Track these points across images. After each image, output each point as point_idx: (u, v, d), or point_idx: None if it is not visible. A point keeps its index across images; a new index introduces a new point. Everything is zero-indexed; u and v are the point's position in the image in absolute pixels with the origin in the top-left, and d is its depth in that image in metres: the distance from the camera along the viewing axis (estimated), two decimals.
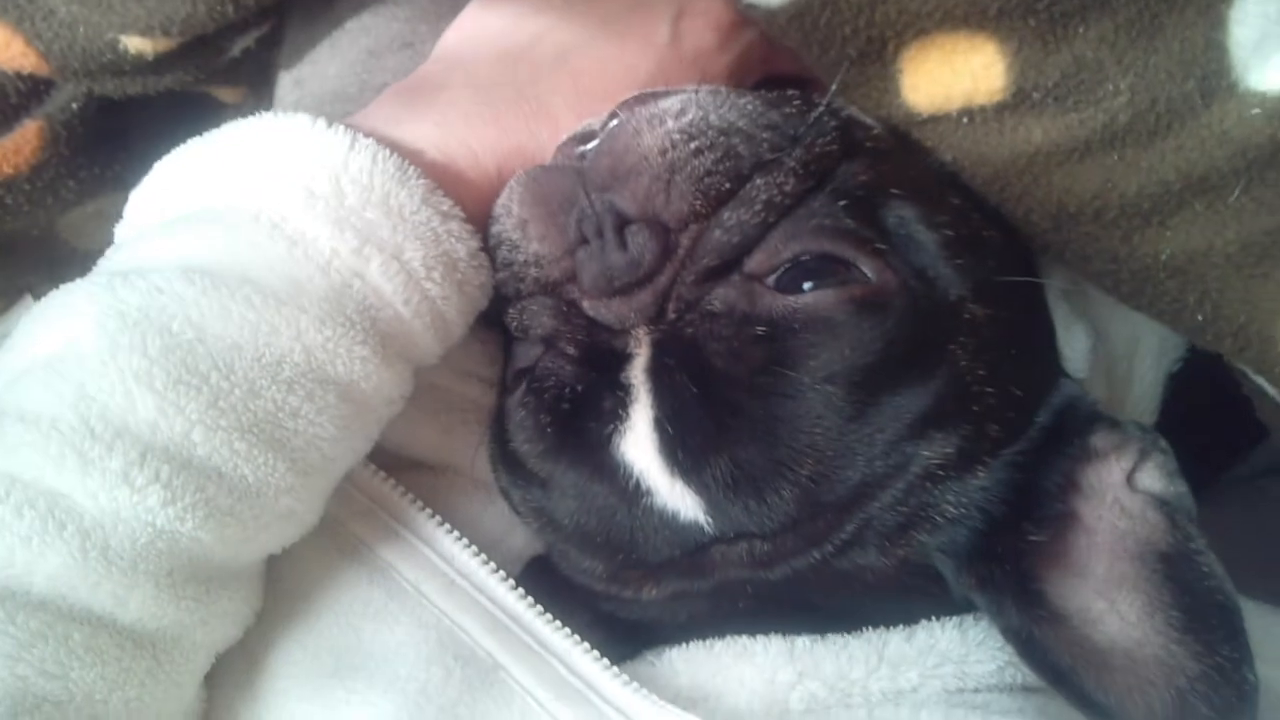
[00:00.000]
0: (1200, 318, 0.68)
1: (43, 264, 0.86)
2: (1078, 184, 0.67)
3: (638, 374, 0.67)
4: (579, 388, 0.68)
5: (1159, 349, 0.85)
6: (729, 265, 0.66)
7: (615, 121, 0.68)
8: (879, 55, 0.68)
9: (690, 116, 0.66)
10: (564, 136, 0.73)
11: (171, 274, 0.63)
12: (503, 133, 0.73)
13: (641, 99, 0.70)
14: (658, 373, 0.66)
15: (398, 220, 0.66)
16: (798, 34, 0.69)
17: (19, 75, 0.78)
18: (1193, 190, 0.65)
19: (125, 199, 0.75)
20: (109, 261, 0.69)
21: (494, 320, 0.75)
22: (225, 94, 0.85)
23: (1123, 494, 0.67)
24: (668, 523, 0.66)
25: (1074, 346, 0.77)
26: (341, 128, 0.68)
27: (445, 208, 0.68)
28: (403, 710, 0.67)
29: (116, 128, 0.82)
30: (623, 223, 0.66)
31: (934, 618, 0.70)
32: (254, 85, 0.85)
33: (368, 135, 0.68)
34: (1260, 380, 0.71)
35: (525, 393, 0.70)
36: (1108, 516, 0.67)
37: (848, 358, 0.63)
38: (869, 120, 0.72)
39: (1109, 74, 0.65)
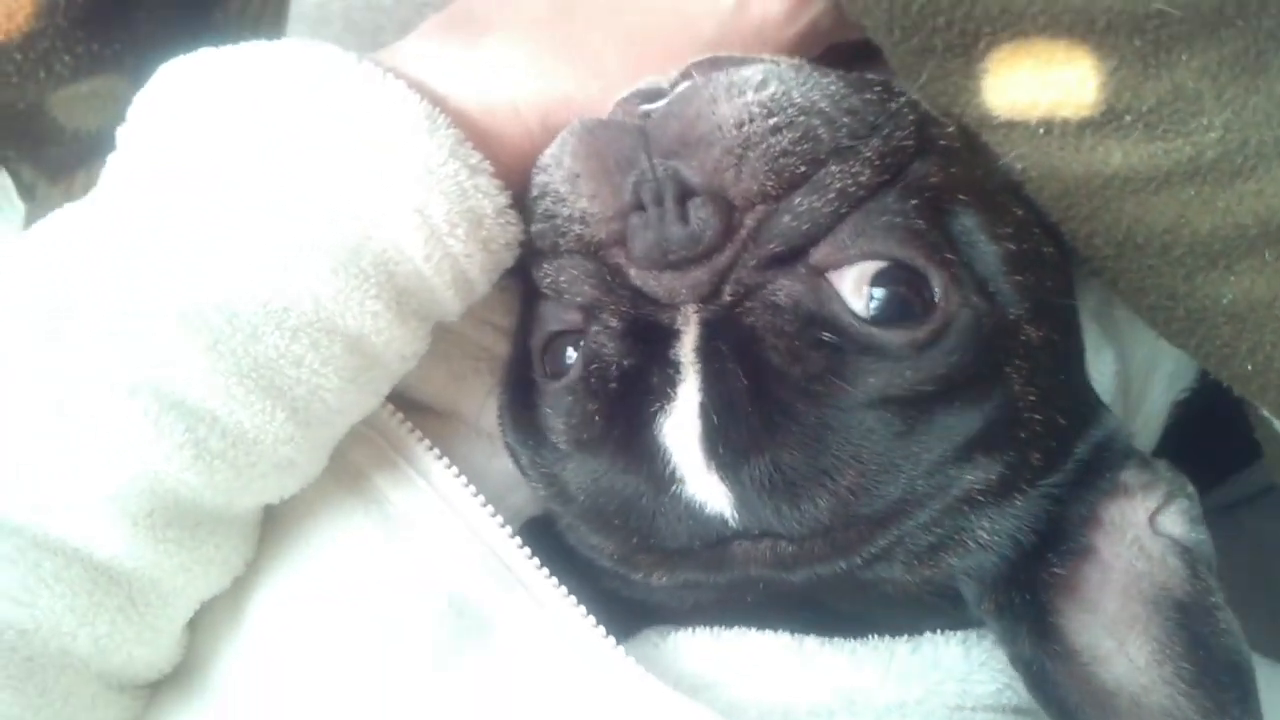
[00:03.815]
0: (1249, 367, 0.66)
1: (26, 138, 0.78)
2: (1149, 214, 0.65)
3: (687, 353, 0.63)
4: (626, 363, 0.65)
5: (1173, 374, 0.85)
6: (794, 253, 0.63)
7: (688, 84, 0.64)
8: (967, 50, 0.65)
9: (771, 90, 0.62)
10: (615, 92, 0.68)
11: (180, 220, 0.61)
12: (550, 84, 0.69)
13: (717, 63, 0.65)
14: (709, 355, 0.63)
15: (422, 172, 0.63)
16: (883, 15, 0.65)
17: None
18: (1267, 238, 0.63)
19: (123, 82, 0.70)
20: (116, 174, 0.65)
21: (514, 268, 0.72)
22: None
23: (1144, 534, 0.66)
24: (693, 513, 0.64)
25: (1101, 370, 0.76)
26: (370, 64, 0.64)
27: (474, 161, 0.65)
28: (395, 654, 0.65)
29: (120, 4, 0.75)
30: (685, 193, 0.62)
31: (938, 630, 0.69)
32: None
33: (399, 75, 0.64)
34: None
35: (577, 380, 0.66)
36: (1125, 554, 0.67)
37: (908, 380, 0.61)
38: (942, 117, 0.69)
39: (1206, 107, 0.62)
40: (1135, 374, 0.82)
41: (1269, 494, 0.99)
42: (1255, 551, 0.97)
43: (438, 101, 0.65)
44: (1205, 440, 0.89)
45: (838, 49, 0.77)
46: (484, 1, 0.71)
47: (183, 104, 0.65)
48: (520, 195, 0.68)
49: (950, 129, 0.68)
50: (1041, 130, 0.66)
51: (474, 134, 0.66)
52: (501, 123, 0.68)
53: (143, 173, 0.64)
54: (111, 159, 0.67)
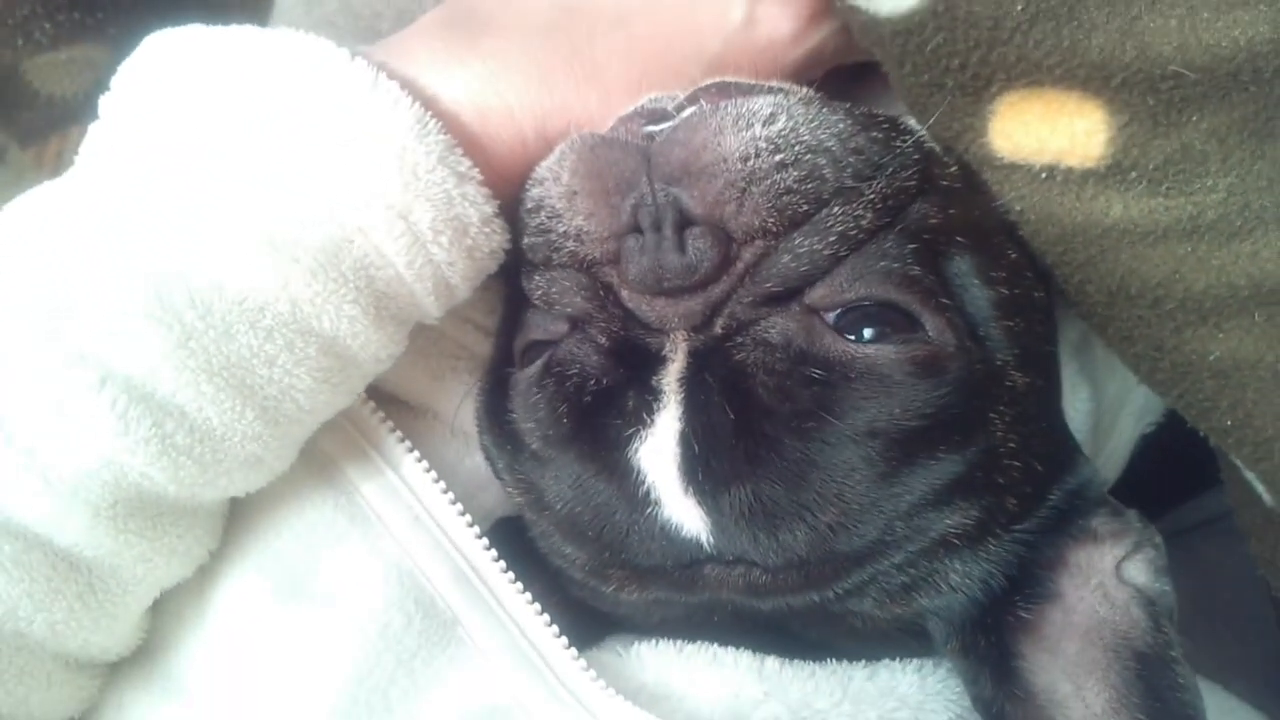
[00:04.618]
0: (1229, 422, 0.67)
1: None
2: (1144, 266, 0.65)
3: (670, 381, 0.63)
4: (604, 381, 0.64)
5: (1141, 408, 0.86)
6: (790, 293, 0.62)
7: (694, 109, 0.63)
8: (978, 92, 0.64)
9: (780, 126, 0.61)
10: (614, 105, 0.67)
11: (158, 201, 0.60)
12: (548, 90, 0.67)
13: (724, 90, 0.64)
14: (693, 385, 0.62)
15: (409, 178, 0.62)
16: (896, 49, 0.64)
17: None
18: (1258, 300, 0.64)
19: (104, 51, 0.68)
20: (99, 145, 0.63)
21: (498, 270, 0.70)
22: None
23: (1109, 581, 0.67)
24: (668, 534, 0.64)
25: (1077, 408, 0.76)
26: (363, 62, 0.62)
27: (463, 168, 0.64)
28: (361, 651, 0.66)
29: None
30: (684, 222, 0.61)
31: (896, 658, 0.70)
32: None
33: (392, 75, 0.62)
34: (1260, 488, 0.72)
35: (545, 375, 0.66)
36: (1089, 599, 0.67)
37: (896, 416, 0.60)
38: (945, 155, 0.68)
39: (1211, 169, 0.62)
40: (1106, 408, 0.83)
41: (1222, 521, 1.00)
42: (1205, 577, 0.99)
43: (430, 101, 0.64)
44: (1161, 466, 0.90)
45: (839, 67, 0.76)
46: (486, 1, 0.69)
47: (171, 79, 0.63)
48: (510, 201, 0.67)
49: (952, 168, 0.67)
50: (1044, 175, 0.65)
51: (465, 137, 0.65)
52: (495, 127, 0.66)
53: (127, 145, 0.63)
54: (94, 128, 0.65)
